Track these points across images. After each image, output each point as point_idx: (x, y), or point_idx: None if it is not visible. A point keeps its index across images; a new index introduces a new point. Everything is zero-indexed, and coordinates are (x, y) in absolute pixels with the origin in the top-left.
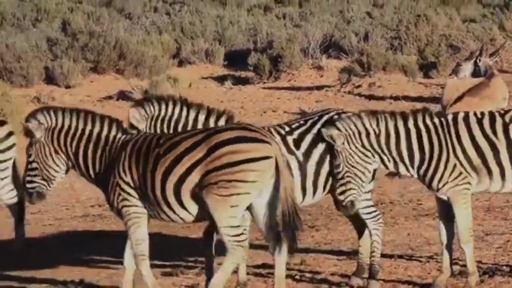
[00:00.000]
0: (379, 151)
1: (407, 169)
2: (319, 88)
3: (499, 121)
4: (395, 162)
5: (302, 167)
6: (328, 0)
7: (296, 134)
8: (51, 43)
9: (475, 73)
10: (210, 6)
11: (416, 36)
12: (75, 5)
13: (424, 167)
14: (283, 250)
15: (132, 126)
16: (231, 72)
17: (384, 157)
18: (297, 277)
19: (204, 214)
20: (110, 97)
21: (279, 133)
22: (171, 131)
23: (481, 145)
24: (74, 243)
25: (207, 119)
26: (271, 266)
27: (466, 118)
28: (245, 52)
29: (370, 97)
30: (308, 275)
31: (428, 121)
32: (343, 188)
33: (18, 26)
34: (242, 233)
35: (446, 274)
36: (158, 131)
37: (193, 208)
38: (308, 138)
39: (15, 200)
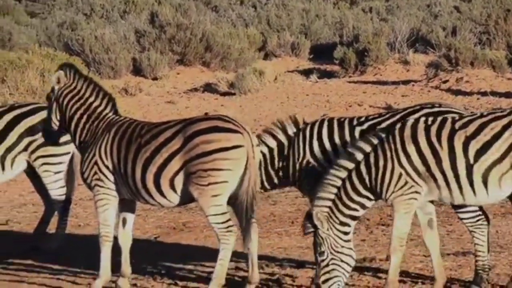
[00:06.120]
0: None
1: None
2: (405, 82)
3: (447, 128)
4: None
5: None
6: None
7: (366, 125)
8: (139, 34)
9: None
10: None
11: (505, 30)
12: None
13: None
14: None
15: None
16: (316, 65)
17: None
18: None
19: (183, 200)
20: (196, 89)
21: (350, 123)
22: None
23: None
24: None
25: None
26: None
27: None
28: (331, 46)
29: (457, 93)
30: None
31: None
32: (327, 276)
33: (107, 18)
34: (229, 219)
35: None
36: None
37: (172, 195)
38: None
39: (63, 198)
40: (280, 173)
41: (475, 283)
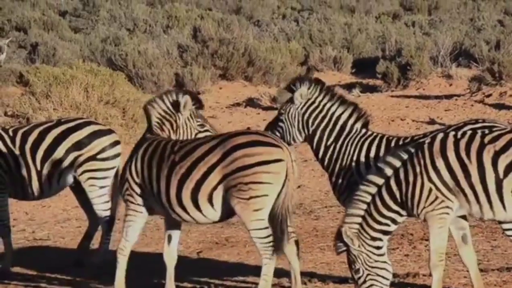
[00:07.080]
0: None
1: None
2: (448, 97)
3: (476, 143)
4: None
5: None
6: (458, 8)
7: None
8: (181, 49)
9: None
10: (339, 13)
11: None
12: (205, 12)
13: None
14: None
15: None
16: (359, 79)
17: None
18: None
19: (220, 216)
20: (238, 104)
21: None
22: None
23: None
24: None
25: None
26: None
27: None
28: (373, 60)
29: (501, 107)
30: None
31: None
32: None
33: (150, 33)
34: (270, 234)
35: None
36: (302, 117)
37: (209, 210)
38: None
39: (107, 213)
40: (328, 153)
41: None
